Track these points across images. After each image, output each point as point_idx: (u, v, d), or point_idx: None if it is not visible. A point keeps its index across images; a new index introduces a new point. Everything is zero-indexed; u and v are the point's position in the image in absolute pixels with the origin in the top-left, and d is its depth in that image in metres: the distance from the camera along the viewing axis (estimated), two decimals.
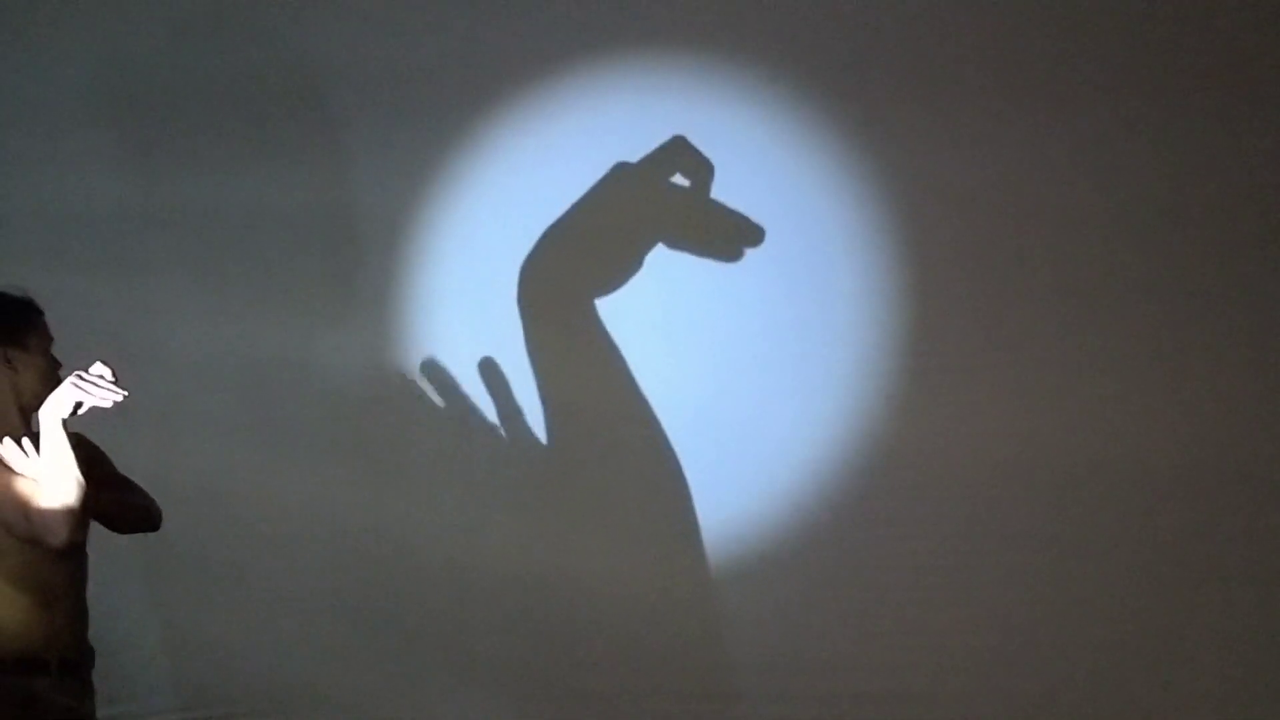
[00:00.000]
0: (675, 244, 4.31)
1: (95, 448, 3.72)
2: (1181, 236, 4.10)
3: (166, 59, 4.70)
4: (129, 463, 3.79)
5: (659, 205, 4.35)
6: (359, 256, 4.60)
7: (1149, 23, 4.12)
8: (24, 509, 3.43)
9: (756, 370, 4.34)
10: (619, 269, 4.37)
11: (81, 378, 3.45)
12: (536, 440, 4.47)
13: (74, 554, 3.56)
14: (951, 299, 4.22)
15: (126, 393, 3.45)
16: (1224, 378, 4.08)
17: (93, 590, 3.66)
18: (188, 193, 4.69)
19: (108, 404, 3.44)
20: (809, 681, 4.32)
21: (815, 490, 4.29)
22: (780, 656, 4.32)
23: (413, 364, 4.57)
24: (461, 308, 4.54)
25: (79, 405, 3.45)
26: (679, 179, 4.33)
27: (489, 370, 4.51)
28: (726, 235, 4.28)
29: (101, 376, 3.47)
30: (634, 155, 4.37)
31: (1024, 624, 4.18)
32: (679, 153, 4.31)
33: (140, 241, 4.73)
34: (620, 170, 4.35)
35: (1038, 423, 4.16)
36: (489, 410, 4.50)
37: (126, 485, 3.74)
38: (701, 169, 4.28)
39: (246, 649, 4.65)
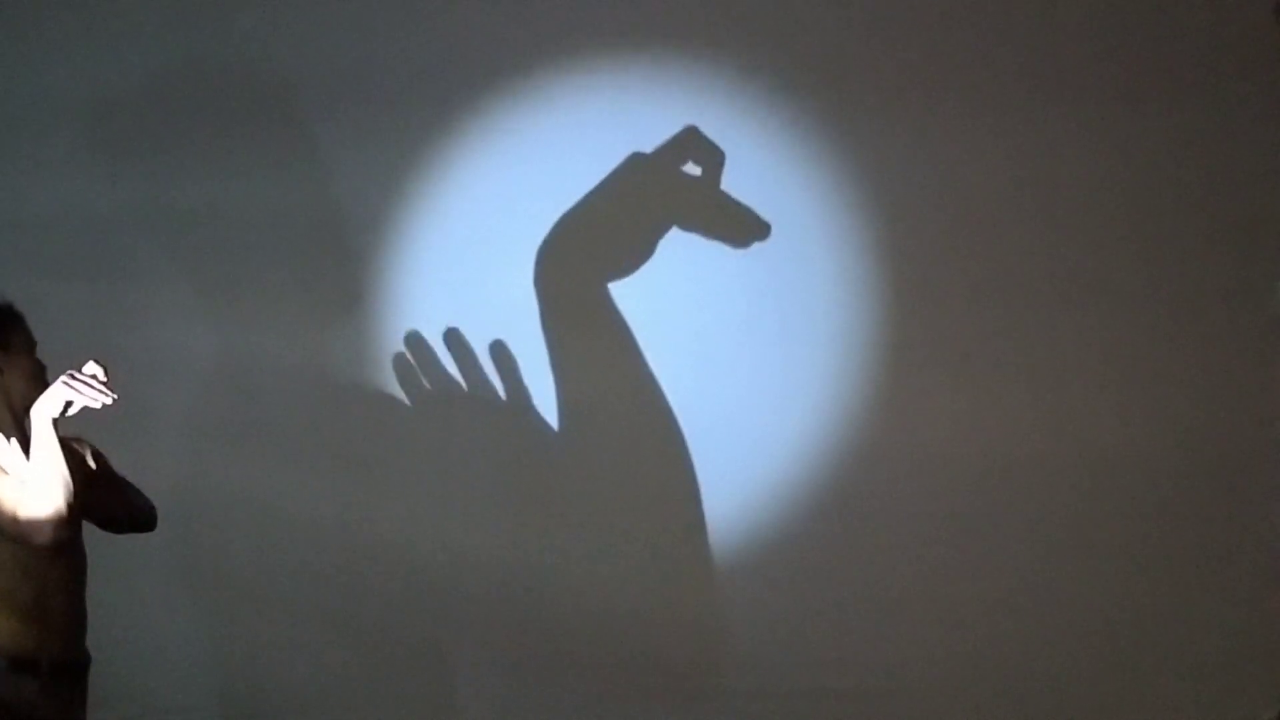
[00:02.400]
0: (687, 231, 4.30)
1: (93, 447, 3.71)
2: (1167, 232, 4.09)
3: (144, 61, 4.67)
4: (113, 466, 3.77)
5: (671, 194, 4.32)
6: (343, 256, 4.56)
7: (1133, 19, 4.10)
8: (11, 508, 3.41)
9: (737, 367, 4.31)
10: (634, 256, 4.33)
11: (74, 377, 3.44)
12: (526, 437, 4.43)
13: (67, 554, 3.52)
14: (934, 294, 4.20)
15: (116, 395, 3.43)
16: (1210, 373, 4.06)
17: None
18: (167, 195, 4.65)
19: (98, 404, 3.43)
20: (794, 678, 4.29)
21: (798, 487, 4.27)
22: (765, 653, 4.30)
23: (399, 364, 4.52)
24: (446, 306, 4.50)
25: (69, 405, 3.44)
26: (691, 168, 4.30)
27: (476, 368, 4.47)
28: (734, 227, 4.26)
29: (94, 376, 3.45)
30: (615, 150, 4.34)
31: (1011, 619, 4.16)
32: (691, 142, 4.27)
33: (119, 245, 4.69)
34: (635, 160, 4.32)
35: (1021, 418, 4.15)
36: (477, 408, 4.47)
37: (123, 486, 3.72)
38: (714, 158, 4.25)
39: (234, 653, 4.62)
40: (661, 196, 4.32)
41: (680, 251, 4.33)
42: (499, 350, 4.44)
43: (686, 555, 4.34)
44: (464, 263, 4.49)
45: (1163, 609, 4.08)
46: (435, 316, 4.50)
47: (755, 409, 4.30)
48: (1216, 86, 4.04)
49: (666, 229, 4.32)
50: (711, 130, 4.30)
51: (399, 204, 4.52)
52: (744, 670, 4.34)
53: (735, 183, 4.29)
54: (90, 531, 3.65)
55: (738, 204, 4.26)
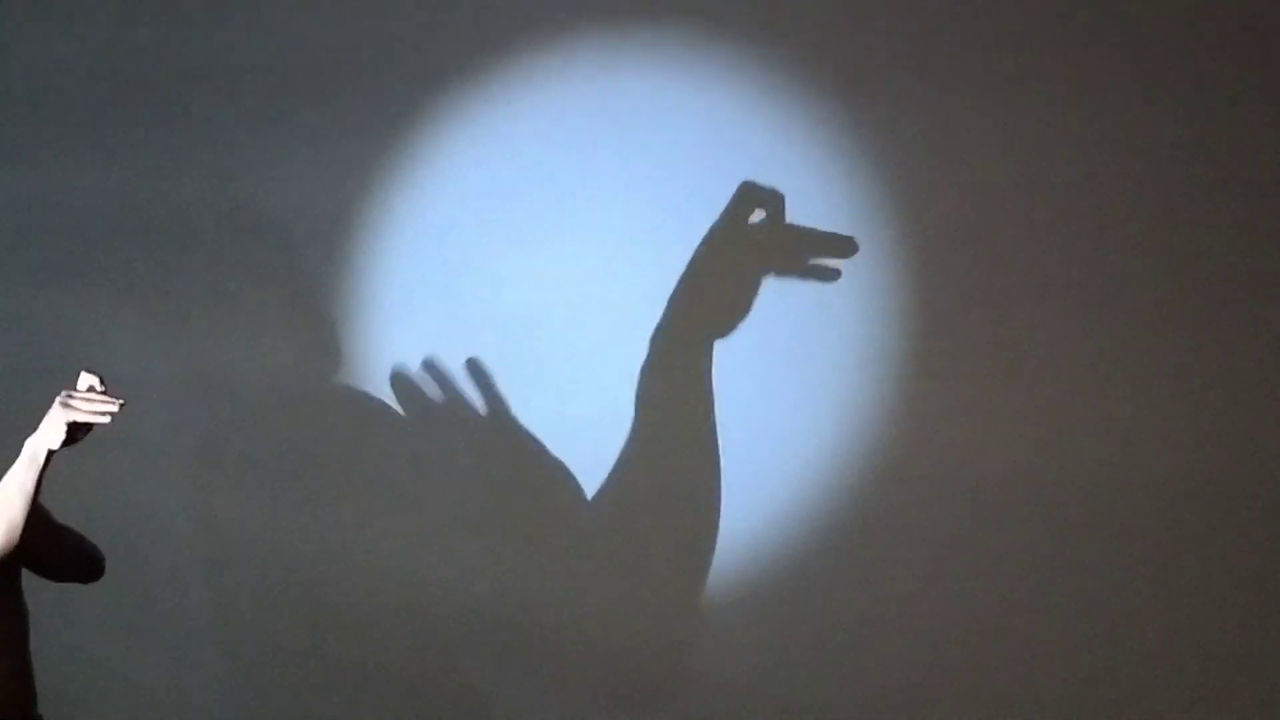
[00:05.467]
0: (783, 277, 4.13)
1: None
2: (1202, 237, 3.90)
3: (92, 50, 4.53)
4: (57, 485, 3.54)
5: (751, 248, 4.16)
6: (316, 259, 4.37)
7: (1171, 9, 3.92)
8: None
9: (752, 376, 4.12)
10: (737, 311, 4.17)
11: (71, 396, 3.12)
12: (505, 454, 4.24)
13: (7, 613, 3.30)
14: (959, 300, 4.01)
15: (123, 400, 3.12)
16: (1243, 384, 3.88)
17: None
18: (121, 196, 4.51)
19: (107, 419, 3.09)
20: (811, 698, 4.09)
21: (815, 502, 4.08)
22: (780, 673, 4.10)
23: (377, 375, 4.34)
24: (415, 313, 4.31)
25: (76, 429, 3.12)
26: (757, 215, 4.14)
27: (462, 379, 4.28)
28: (819, 255, 4.12)
29: (91, 389, 3.14)
30: (610, 137, 4.15)
31: (1040, 640, 3.97)
32: (753, 194, 4.12)
33: (70, 250, 4.54)
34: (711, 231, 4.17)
35: (1050, 430, 3.97)
36: (463, 424, 4.27)
37: (67, 532, 3.47)
38: (776, 202, 4.10)
39: (183, 692, 4.46)
40: (744, 254, 4.16)
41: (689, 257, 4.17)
42: (487, 360, 4.26)
43: (697, 575, 4.15)
44: (447, 265, 4.29)
45: (1199, 630, 3.91)
46: (416, 323, 4.31)
47: (769, 421, 4.11)
48: (1256, 82, 3.86)
49: (763, 277, 4.16)
50: (715, 118, 4.11)
51: (375, 201, 4.33)
52: (756, 694, 4.13)
53: (743, 177, 4.13)
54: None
55: (814, 233, 4.11)
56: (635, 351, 4.14)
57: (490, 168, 4.24)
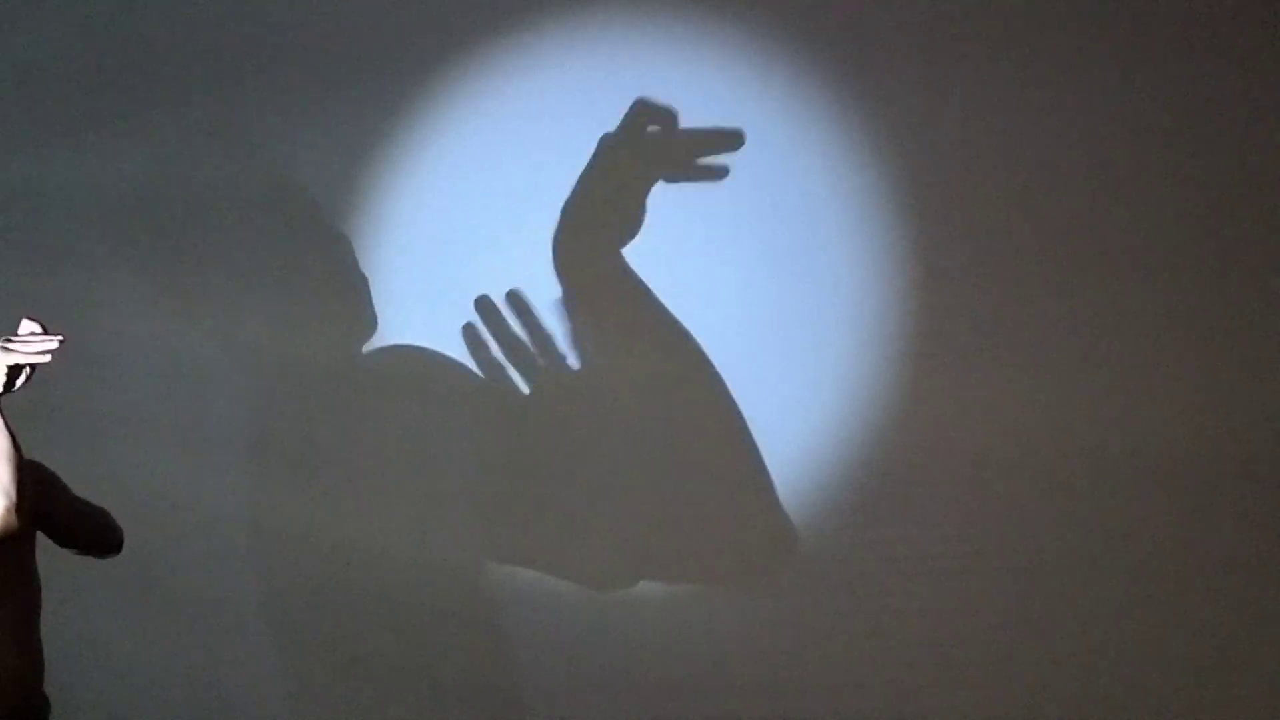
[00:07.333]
0: (673, 182, 4.18)
1: (46, 470, 3.44)
2: (1199, 226, 3.98)
3: (85, 24, 4.53)
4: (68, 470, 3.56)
5: (645, 157, 4.19)
6: (310, 239, 4.38)
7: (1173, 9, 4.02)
8: None
9: (750, 363, 4.16)
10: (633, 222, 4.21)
11: (9, 339, 3.17)
12: (506, 436, 4.26)
13: (17, 589, 3.28)
14: (959, 287, 4.06)
15: (61, 337, 3.15)
16: (1241, 371, 3.95)
17: None
18: (104, 173, 4.49)
19: (46, 358, 3.13)
20: (808, 699, 4.13)
21: (815, 490, 4.12)
22: (786, 660, 4.13)
23: (373, 357, 4.34)
24: (415, 294, 4.33)
25: (16, 374, 3.15)
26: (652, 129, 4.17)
27: (459, 361, 4.30)
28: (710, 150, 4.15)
29: (31, 333, 3.19)
30: (604, 120, 4.19)
31: (1041, 620, 4.02)
32: (645, 112, 4.16)
33: (60, 228, 4.53)
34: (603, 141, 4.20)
35: (1049, 410, 4.02)
36: (463, 406, 4.29)
37: (83, 503, 3.47)
38: (669, 118, 4.15)
39: (179, 677, 4.45)
40: (638, 163, 4.20)
41: (692, 240, 4.20)
42: (485, 340, 4.28)
43: (702, 565, 4.20)
44: (444, 245, 4.33)
45: (1202, 610, 3.98)
46: (402, 303, 4.35)
47: (768, 407, 4.16)
48: (1254, 78, 3.97)
49: (652, 184, 4.20)
50: (713, 102, 4.17)
51: (370, 179, 4.36)
52: (763, 683, 4.17)
53: (740, 163, 4.16)
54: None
55: (702, 133, 4.15)
56: (634, 333, 4.20)
57: (503, 149, 4.26)
